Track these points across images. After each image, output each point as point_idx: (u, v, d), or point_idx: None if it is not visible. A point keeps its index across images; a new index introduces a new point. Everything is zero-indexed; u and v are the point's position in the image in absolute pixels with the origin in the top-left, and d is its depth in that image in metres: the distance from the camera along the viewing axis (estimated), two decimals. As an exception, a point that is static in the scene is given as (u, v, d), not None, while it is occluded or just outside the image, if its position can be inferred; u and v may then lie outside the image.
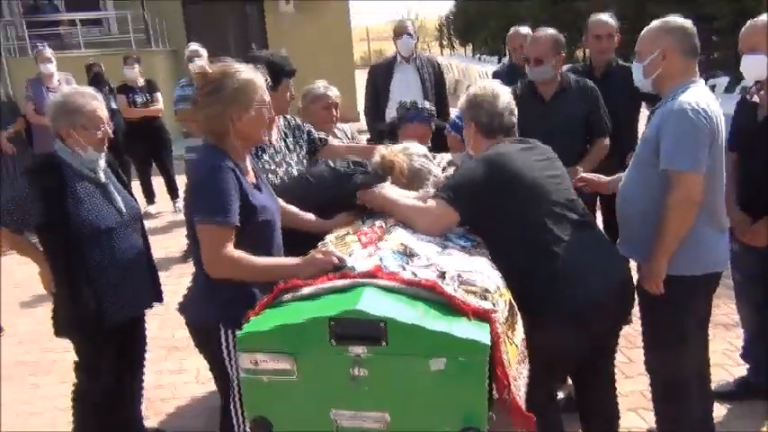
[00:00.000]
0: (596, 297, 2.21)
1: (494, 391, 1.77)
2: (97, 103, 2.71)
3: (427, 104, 3.67)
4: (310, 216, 2.61)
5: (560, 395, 2.96)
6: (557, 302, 2.18)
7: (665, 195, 2.33)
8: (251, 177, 2.30)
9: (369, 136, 5.03)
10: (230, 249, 2.09)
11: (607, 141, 3.54)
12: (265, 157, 2.84)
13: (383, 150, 2.70)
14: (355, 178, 2.57)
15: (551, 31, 3.59)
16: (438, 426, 1.70)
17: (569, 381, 2.81)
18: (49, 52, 7.05)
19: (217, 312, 2.21)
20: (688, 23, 2.46)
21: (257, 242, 2.20)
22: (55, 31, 11.75)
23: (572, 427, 2.66)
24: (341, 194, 2.58)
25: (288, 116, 3.10)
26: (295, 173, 2.94)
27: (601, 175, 2.94)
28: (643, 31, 2.51)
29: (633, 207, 2.53)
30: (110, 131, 2.75)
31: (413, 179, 2.67)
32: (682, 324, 2.49)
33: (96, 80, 7.57)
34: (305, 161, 3.06)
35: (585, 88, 3.56)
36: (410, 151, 2.76)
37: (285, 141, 3.01)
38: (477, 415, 1.67)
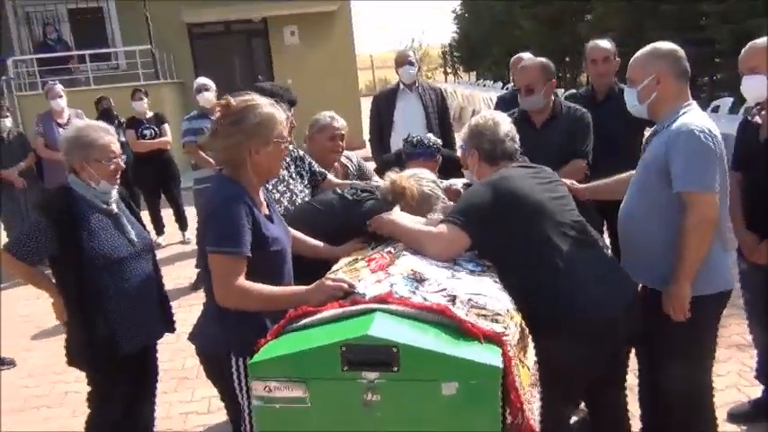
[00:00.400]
0: (605, 315, 2.22)
1: (507, 415, 1.76)
2: (110, 137, 2.76)
3: (432, 138, 3.70)
4: (319, 243, 2.64)
5: (574, 418, 2.94)
6: (566, 321, 2.19)
7: (676, 218, 2.36)
8: (264, 209, 2.33)
9: (374, 164, 5.07)
10: (241, 280, 2.11)
11: (584, 165, 3.50)
12: (269, 186, 2.87)
13: (393, 176, 2.73)
14: (364, 205, 2.60)
15: (539, 59, 3.64)
16: (451, 451, 1.70)
17: (582, 405, 2.80)
18: (59, 88, 7.18)
19: (227, 341, 2.22)
20: (677, 48, 2.52)
21: (269, 272, 2.22)
22: (65, 66, 11.93)
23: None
24: (350, 221, 2.61)
25: (290, 146, 3.14)
26: (299, 201, 2.97)
27: (574, 181, 2.97)
28: (634, 58, 2.56)
29: (639, 232, 2.54)
30: (122, 164, 2.79)
31: (422, 204, 2.70)
32: (699, 344, 2.50)
33: (105, 114, 7.68)
34: (307, 191, 3.09)
35: (576, 115, 3.57)
36: (419, 176, 2.79)
37: (288, 170, 3.04)
38: (490, 439, 1.67)
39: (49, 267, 2.78)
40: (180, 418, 3.66)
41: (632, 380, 2.75)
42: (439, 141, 3.69)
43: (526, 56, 4.82)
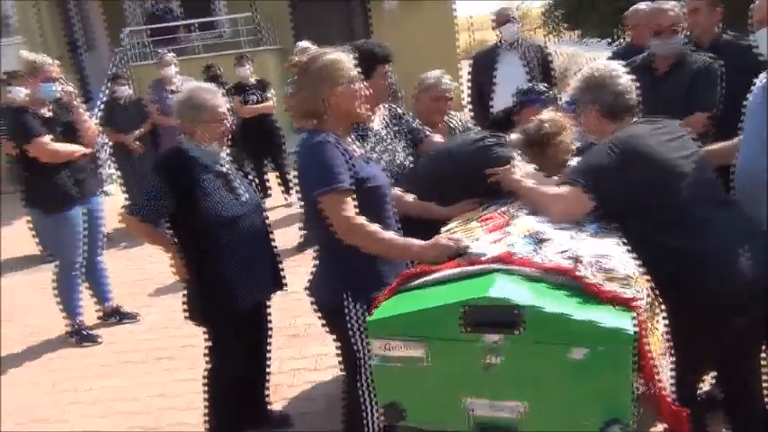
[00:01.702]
0: (746, 279, 2.05)
1: (638, 384, 1.66)
2: (219, 99, 2.81)
3: (546, 87, 3.54)
4: (427, 203, 2.60)
5: (703, 390, 2.76)
6: (704, 286, 2.04)
7: None
8: (355, 151, 2.32)
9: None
10: (356, 214, 2.11)
11: (705, 117, 3.19)
12: (368, 146, 2.83)
13: (552, 114, 2.63)
14: (493, 150, 2.53)
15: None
16: (579, 418, 1.62)
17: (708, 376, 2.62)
18: (170, 57, 7.46)
19: (343, 287, 2.23)
20: None
21: (370, 211, 2.19)
22: (174, 36, 12.39)
23: (714, 425, 2.49)
24: (473, 167, 2.54)
25: (391, 105, 3.09)
26: (399, 161, 2.92)
27: None
28: None
29: None
30: (230, 126, 2.84)
31: (565, 154, 2.59)
32: None
33: (214, 81, 7.89)
34: (408, 150, 3.03)
35: (704, 63, 3.30)
36: None
37: (388, 129, 2.99)
38: (621, 408, 1.58)
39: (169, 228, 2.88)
40: (290, 373, 3.76)
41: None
42: (553, 92, 3.52)
43: (644, 5, 4.51)
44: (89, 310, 4.80)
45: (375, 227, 2.12)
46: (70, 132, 4.36)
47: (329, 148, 2.16)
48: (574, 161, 2.63)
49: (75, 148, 4.35)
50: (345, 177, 2.13)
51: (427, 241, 2.07)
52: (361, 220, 2.11)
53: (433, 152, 2.82)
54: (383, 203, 2.32)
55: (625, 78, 2.39)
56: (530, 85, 3.49)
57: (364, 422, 2.29)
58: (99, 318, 4.88)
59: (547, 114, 2.63)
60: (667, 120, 2.38)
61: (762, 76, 2.45)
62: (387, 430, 2.29)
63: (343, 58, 2.26)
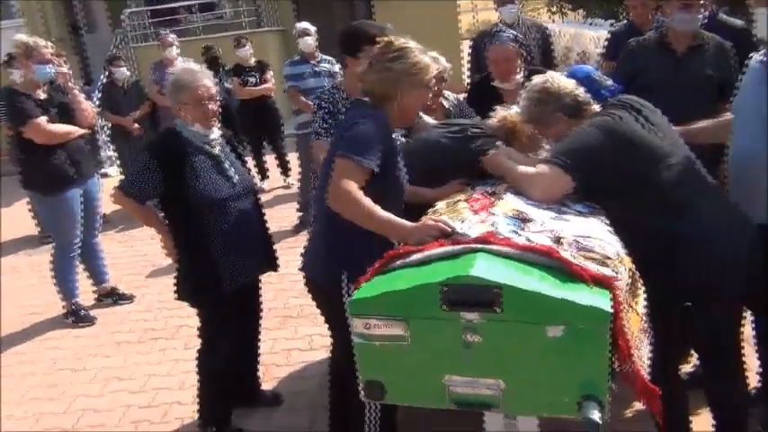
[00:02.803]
0: (727, 260, 2.06)
1: (614, 361, 1.68)
2: (204, 81, 2.78)
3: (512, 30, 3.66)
4: (419, 188, 2.59)
5: (685, 370, 2.79)
6: (682, 267, 2.05)
7: None
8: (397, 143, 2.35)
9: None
10: (356, 186, 2.09)
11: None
12: None
13: (503, 112, 2.63)
14: (477, 141, 2.54)
15: None
16: (555, 394, 1.64)
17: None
18: (171, 38, 7.45)
19: (341, 267, 2.23)
20: None
21: (386, 200, 2.18)
22: (174, 17, 12.34)
23: (697, 403, 2.51)
24: (461, 159, 2.56)
25: None
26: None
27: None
28: None
29: None
30: (215, 108, 2.81)
31: (533, 141, 2.59)
32: None
33: (213, 63, 7.88)
34: (401, 131, 3.03)
35: (722, 45, 3.24)
36: None
37: None
38: (597, 384, 1.59)
39: (161, 209, 2.89)
40: (283, 353, 3.80)
41: (748, 331, 2.57)
42: (518, 34, 3.61)
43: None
44: (86, 291, 4.84)
45: (368, 201, 2.09)
46: (66, 113, 4.37)
47: (380, 125, 2.18)
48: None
49: (71, 129, 4.37)
50: (375, 159, 2.13)
51: (414, 223, 2.08)
52: (359, 193, 2.09)
53: (418, 144, 2.80)
54: (401, 202, 2.34)
55: (563, 78, 2.43)
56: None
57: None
58: (95, 298, 4.92)
59: (497, 118, 2.68)
60: (637, 99, 2.36)
61: (758, 55, 2.43)
62: (384, 410, 2.33)
63: (432, 67, 2.29)
